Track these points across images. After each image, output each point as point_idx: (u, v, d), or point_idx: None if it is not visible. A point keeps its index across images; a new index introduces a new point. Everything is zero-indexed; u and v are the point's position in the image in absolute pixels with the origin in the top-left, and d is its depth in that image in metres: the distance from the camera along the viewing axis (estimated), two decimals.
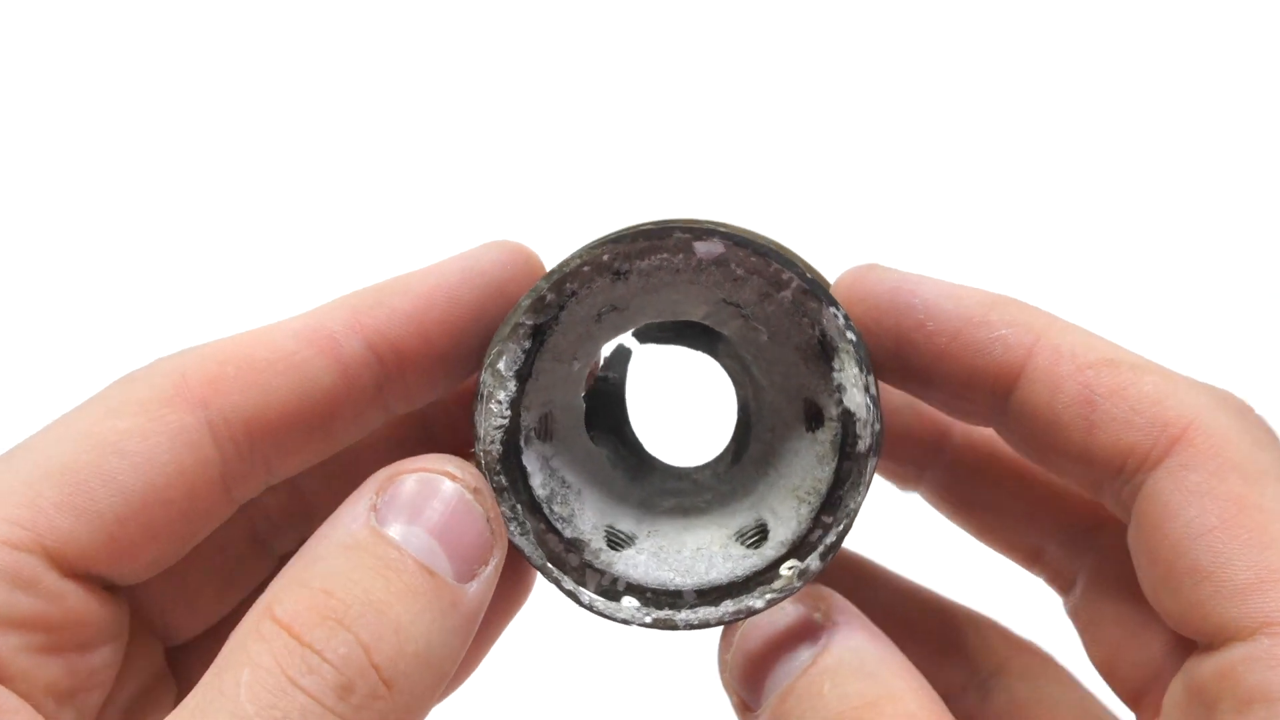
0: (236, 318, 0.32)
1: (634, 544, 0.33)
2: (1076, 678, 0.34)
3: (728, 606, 0.31)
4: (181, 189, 0.80)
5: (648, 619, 0.32)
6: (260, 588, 0.32)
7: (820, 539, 0.32)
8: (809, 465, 0.33)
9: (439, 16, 0.84)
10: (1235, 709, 0.26)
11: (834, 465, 0.32)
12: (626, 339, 0.35)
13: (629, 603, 0.32)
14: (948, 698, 0.32)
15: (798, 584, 0.31)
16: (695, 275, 0.31)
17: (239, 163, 0.80)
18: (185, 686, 0.31)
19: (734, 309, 0.32)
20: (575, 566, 0.32)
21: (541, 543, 0.32)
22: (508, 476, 0.31)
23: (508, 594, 0.35)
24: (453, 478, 0.27)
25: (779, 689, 0.29)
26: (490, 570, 0.28)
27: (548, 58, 0.84)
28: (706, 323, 0.33)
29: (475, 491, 0.28)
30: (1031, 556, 0.34)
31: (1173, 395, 0.28)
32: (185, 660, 0.32)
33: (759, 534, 0.33)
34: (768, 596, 0.31)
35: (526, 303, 0.30)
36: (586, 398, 0.34)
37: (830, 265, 0.33)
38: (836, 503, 0.32)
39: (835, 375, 0.31)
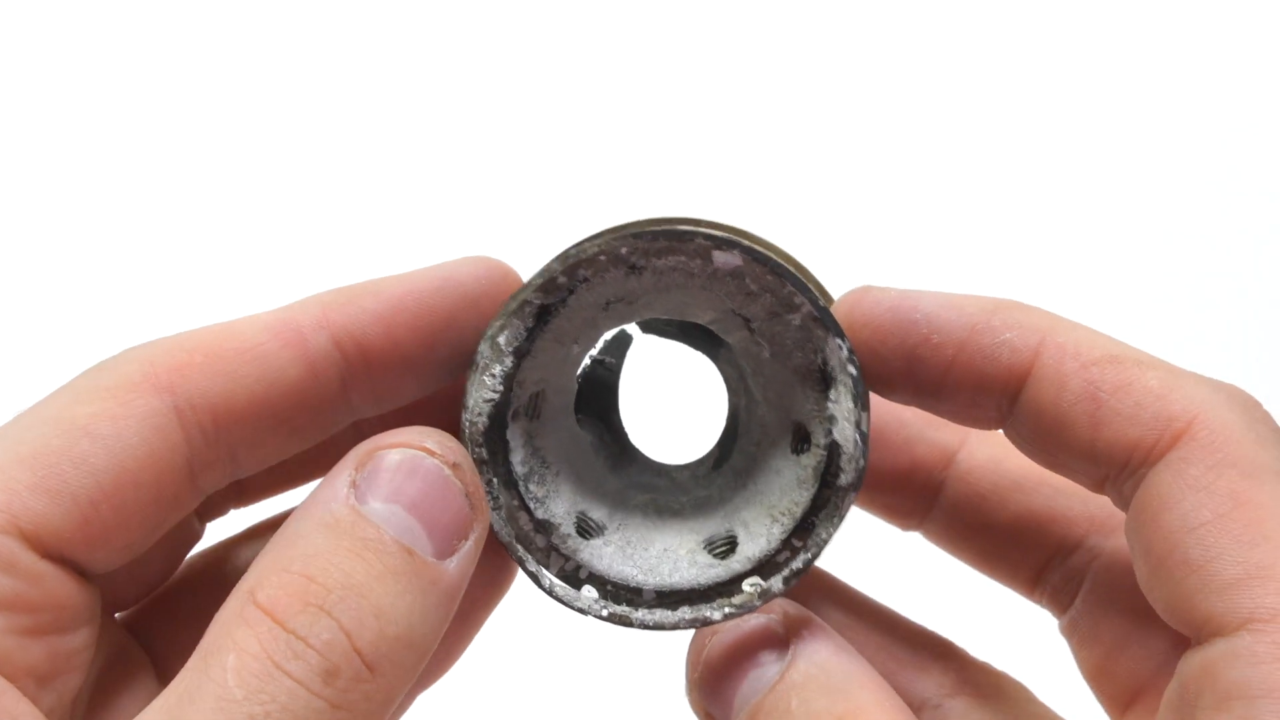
0: (213, 313, 0.32)
1: (603, 534, 0.34)
2: (1037, 698, 0.34)
3: (684, 613, 0.31)
4: (164, 190, 0.80)
5: (604, 612, 0.32)
6: (190, 538, 0.33)
7: (787, 561, 0.32)
8: (788, 486, 0.33)
9: (430, 19, 0.84)
10: (1215, 704, 0.26)
11: (813, 491, 0.32)
12: (629, 326, 0.35)
13: (588, 593, 0.32)
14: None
15: (757, 603, 0.31)
16: (709, 282, 0.31)
17: (224, 165, 0.81)
18: (154, 657, 0.32)
19: (741, 320, 0.32)
20: (541, 548, 0.32)
21: (512, 520, 0.32)
22: (489, 449, 0.31)
23: (491, 580, 0.35)
24: (431, 453, 0.28)
25: (746, 706, 0.29)
26: (470, 545, 0.28)
27: (539, 64, 0.84)
28: (712, 328, 0.33)
29: (454, 467, 0.28)
30: (1032, 581, 0.34)
31: (1177, 390, 0.28)
32: (145, 630, 0.33)
33: (727, 545, 0.33)
34: (725, 610, 0.31)
35: (538, 281, 0.31)
36: (580, 380, 0.34)
37: (830, 268, 0.33)
38: (809, 529, 0.32)
39: (830, 405, 0.31)
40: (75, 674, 0.28)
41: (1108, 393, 0.28)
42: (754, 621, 0.30)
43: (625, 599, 0.32)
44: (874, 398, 0.32)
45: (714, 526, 0.34)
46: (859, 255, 0.76)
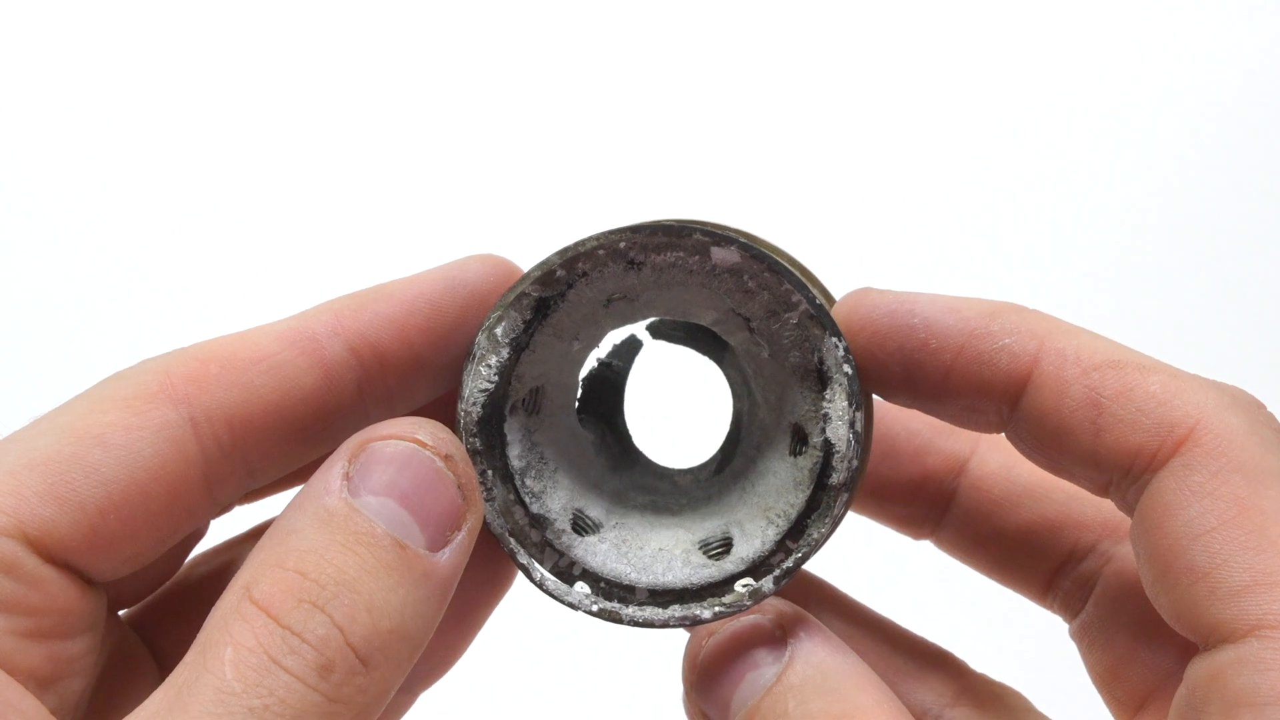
0: (225, 325, 0.32)
1: (598, 532, 0.34)
2: (1037, 709, 0.34)
3: (675, 611, 0.31)
4: (173, 199, 0.81)
5: (594, 608, 0.32)
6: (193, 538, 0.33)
7: (779, 563, 0.32)
8: (784, 488, 0.33)
9: (432, 21, 0.84)
10: (1223, 711, 0.25)
11: (808, 493, 0.32)
12: (640, 331, 0.35)
13: (580, 588, 0.32)
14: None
15: (748, 603, 0.31)
16: (708, 279, 0.31)
17: (233, 175, 0.81)
18: (155, 654, 0.32)
19: (742, 320, 0.32)
20: (535, 542, 0.32)
21: (506, 513, 0.32)
22: (484, 441, 0.31)
23: (492, 579, 0.35)
24: (423, 445, 0.28)
25: (743, 709, 0.29)
26: (463, 536, 0.28)
27: (544, 67, 0.84)
28: (715, 329, 0.33)
29: (446, 459, 0.28)
30: (1044, 587, 0.34)
31: (1179, 395, 0.28)
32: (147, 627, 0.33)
33: (723, 547, 0.33)
34: (716, 609, 0.31)
35: (536, 274, 0.31)
36: (585, 381, 0.34)
37: (833, 269, 0.33)
38: (803, 530, 0.32)
39: (824, 405, 0.31)
40: (77, 678, 0.28)
41: (1109, 398, 0.28)
42: (749, 622, 0.30)
43: (618, 596, 0.32)
44: (883, 407, 0.32)
45: (710, 528, 0.34)
46: (862, 256, 0.76)
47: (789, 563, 0.31)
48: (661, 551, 0.33)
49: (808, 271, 0.32)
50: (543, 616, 0.38)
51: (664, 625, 0.31)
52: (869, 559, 0.39)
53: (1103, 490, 0.29)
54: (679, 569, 0.33)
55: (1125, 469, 0.28)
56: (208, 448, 0.29)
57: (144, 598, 0.33)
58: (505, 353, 0.31)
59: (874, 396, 0.32)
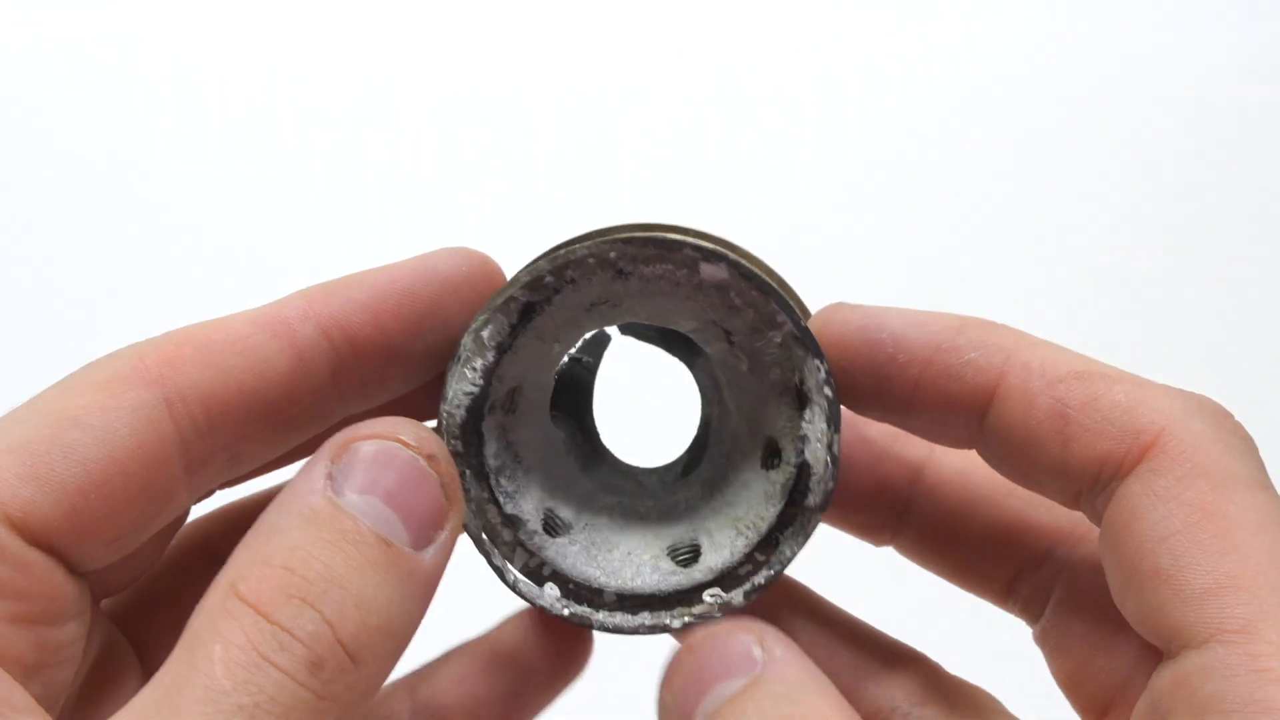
0: (202, 315, 0.32)
1: (568, 533, 0.34)
2: (1008, 710, 0.34)
3: (644, 618, 0.32)
4: (149, 193, 0.80)
5: (565, 611, 0.32)
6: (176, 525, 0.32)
7: (749, 575, 0.32)
8: (755, 500, 0.33)
9: (415, 16, 0.84)
10: (1189, 718, 0.25)
11: (779, 507, 0.32)
12: (610, 327, 0.35)
13: (550, 590, 0.32)
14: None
15: (717, 615, 0.31)
16: (694, 293, 0.31)
17: (209, 171, 0.81)
18: (135, 644, 0.32)
19: (722, 332, 0.32)
20: (508, 542, 0.33)
21: (481, 512, 0.32)
22: (464, 441, 0.32)
23: (568, 651, 0.35)
24: (406, 444, 0.28)
25: (705, 715, 0.29)
26: (446, 536, 0.28)
27: (524, 67, 0.84)
28: (692, 337, 0.33)
29: (430, 458, 0.28)
30: (1004, 591, 0.34)
31: (1144, 403, 0.28)
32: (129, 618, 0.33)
33: (690, 554, 0.33)
34: (685, 619, 0.31)
35: (525, 279, 0.31)
36: (556, 377, 0.34)
37: (809, 282, 0.33)
38: (773, 544, 0.32)
39: (804, 425, 0.31)
40: (63, 666, 0.28)
41: (1075, 409, 0.28)
42: (723, 633, 0.30)
43: (586, 599, 0.33)
44: (844, 415, 0.32)
45: (679, 534, 0.34)
46: (839, 269, 0.76)
47: (760, 578, 0.32)
48: (630, 556, 0.34)
49: (791, 290, 0.32)
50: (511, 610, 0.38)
51: (634, 632, 0.32)
52: (839, 560, 0.39)
53: (1073, 502, 0.30)
54: (647, 575, 0.33)
55: (1094, 477, 0.28)
56: (184, 429, 0.29)
57: (126, 587, 0.32)
58: (490, 355, 0.31)
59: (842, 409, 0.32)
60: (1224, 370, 0.75)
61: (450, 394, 0.31)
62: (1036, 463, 0.29)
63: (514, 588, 0.32)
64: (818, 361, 0.30)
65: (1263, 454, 0.29)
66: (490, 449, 0.32)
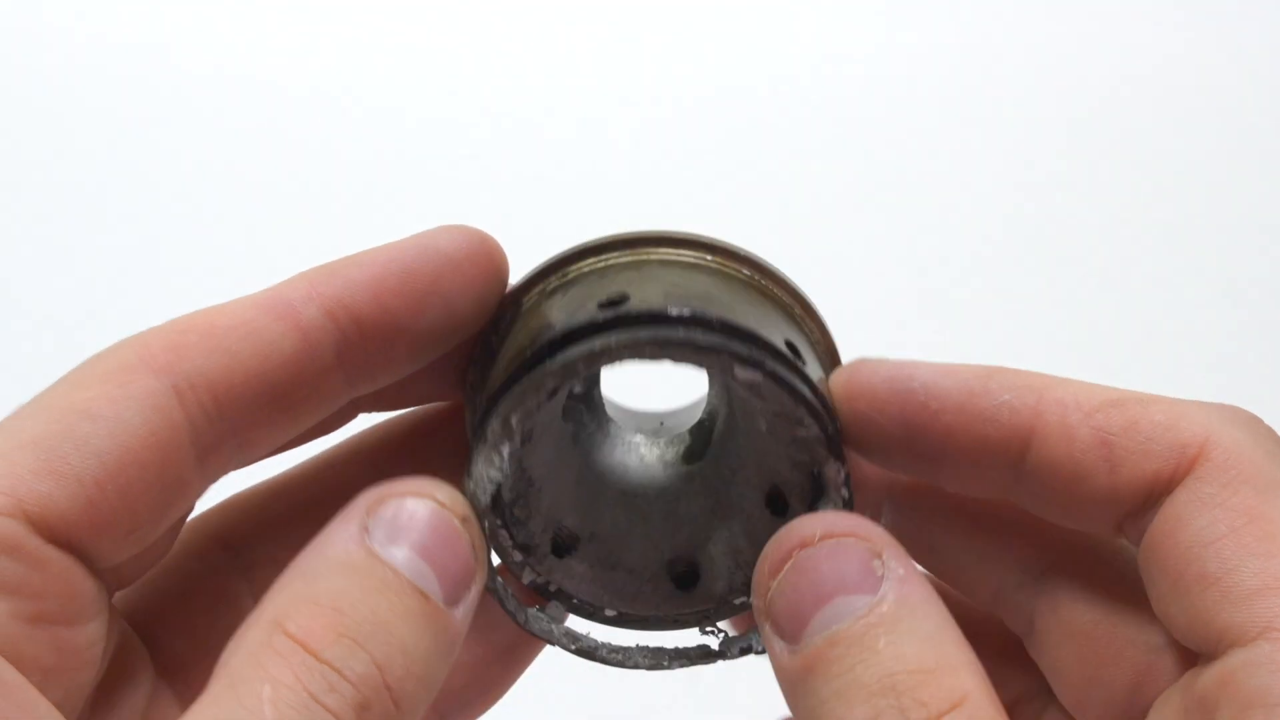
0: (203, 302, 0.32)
1: (575, 550, 0.33)
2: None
3: (644, 658, 0.31)
4: (148, 184, 0.80)
5: (573, 646, 0.32)
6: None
7: (744, 606, 0.32)
8: (756, 537, 0.32)
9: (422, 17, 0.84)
10: (1235, 714, 0.25)
11: None
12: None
13: (558, 630, 0.32)
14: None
15: (715, 649, 0.31)
16: (728, 379, 0.30)
17: (209, 161, 0.81)
18: (148, 642, 0.32)
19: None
20: (518, 563, 0.32)
21: (494, 537, 0.32)
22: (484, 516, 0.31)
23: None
24: (441, 505, 0.28)
25: (825, 631, 0.27)
26: (473, 596, 0.28)
27: (530, 61, 0.84)
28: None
29: (464, 520, 0.28)
30: (992, 600, 0.34)
31: (1184, 418, 0.28)
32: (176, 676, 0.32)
33: (689, 574, 0.33)
34: (679, 663, 0.31)
35: (558, 368, 0.29)
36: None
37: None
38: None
39: (818, 505, 0.31)
40: (84, 670, 0.28)
41: (1117, 434, 0.28)
42: (855, 550, 0.28)
43: (586, 612, 0.33)
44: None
45: (678, 545, 0.34)
46: (836, 268, 0.76)
47: (758, 645, 0.31)
48: (632, 574, 0.33)
49: (817, 316, 0.32)
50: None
51: (634, 667, 0.31)
52: None
53: (1115, 529, 0.30)
54: (648, 596, 0.33)
55: (1144, 498, 0.28)
56: (193, 415, 0.29)
57: (137, 578, 0.32)
58: (517, 440, 0.30)
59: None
60: (1232, 379, 0.75)
61: (475, 474, 0.30)
62: (1084, 495, 0.29)
63: (525, 627, 0.32)
64: (839, 464, 0.30)
65: None
66: (506, 484, 0.32)
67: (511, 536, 0.32)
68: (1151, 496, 0.28)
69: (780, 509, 0.33)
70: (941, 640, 0.27)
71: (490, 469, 0.30)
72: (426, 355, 0.32)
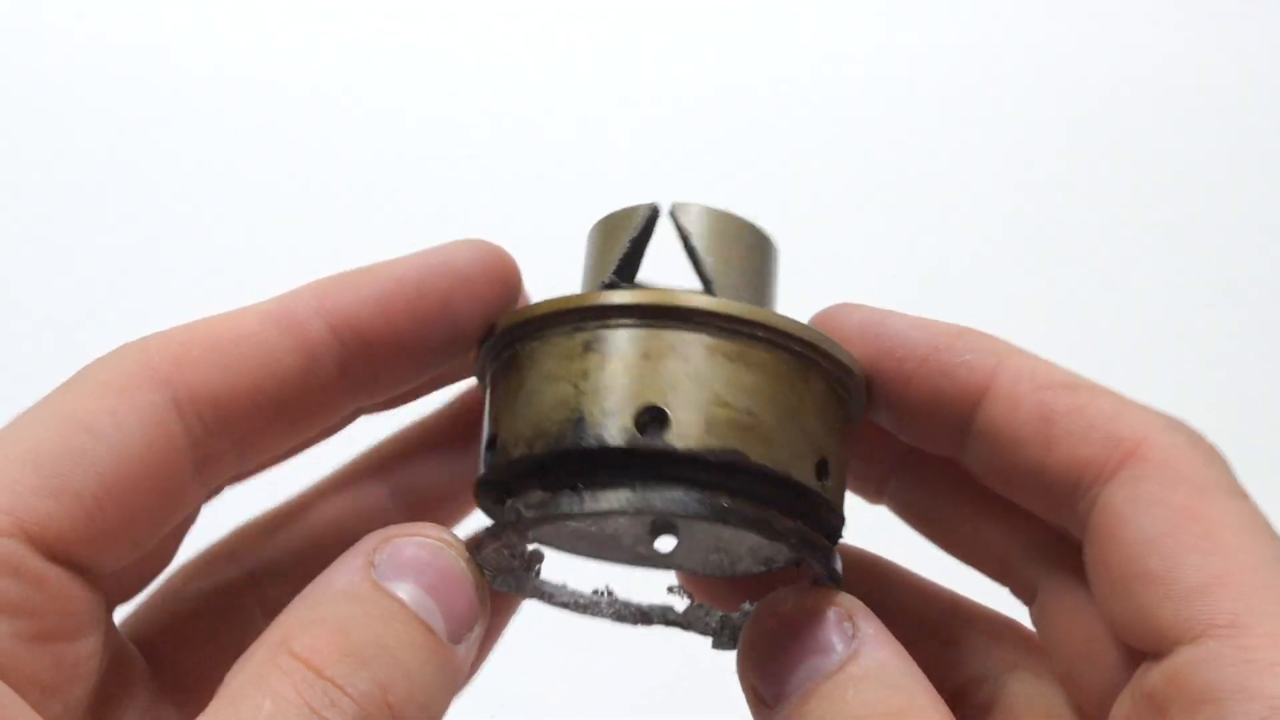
0: (210, 308, 0.31)
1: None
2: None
3: (609, 609, 0.32)
4: (156, 184, 0.80)
5: (542, 598, 0.31)
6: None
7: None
8: (740, 552, 0.32)
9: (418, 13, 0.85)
10: (1184, 711, 0.26)
11: (759, 570, 0.32)
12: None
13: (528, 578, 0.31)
14: (962, 691, 0.33)
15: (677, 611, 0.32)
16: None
17: (215, 162, 0.81)
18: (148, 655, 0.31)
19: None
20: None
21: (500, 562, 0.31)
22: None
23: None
24: (447, 544, 0.28)
25: (801, 689, 0.28)
26: (476, 635, 0.28)
27: (534, 60, 0.84)
28: None
29: (469, 561, 0.28)
30: (999, 569, 0.34)
31: (1127, 415, 0.29)
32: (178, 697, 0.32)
33: (666, 532, 0.33)
34: (642, 620, 0.32)
35: (583, 512, 0.27)
36: None
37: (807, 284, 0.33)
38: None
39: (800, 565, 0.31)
40: (82, 683, 0.28)
41: (1060, 414, 0.29)
42: (821, 615, 0.29)
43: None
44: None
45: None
46: (832, 265, 0.76)
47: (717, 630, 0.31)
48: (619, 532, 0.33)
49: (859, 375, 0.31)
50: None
51: (599, 615, 0.32)
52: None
53: (1052, 512, 0.30)
54: (628, 547, 0.33)
55: (1074, 482, 0.29)
56: (193, 429, 0.28)
57: (137, 591, 0.32)
58: (531, 541, 0.30)
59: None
60: (1215, 372, 0.75)
61: (488, 557, 0.29)
62: (1018, 466, 0.30)
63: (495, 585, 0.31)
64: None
65: (1260, 464, 0.30)
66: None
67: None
68: (1081, 483, 0.29)
69: (764, 557, 0.33)
70: (908, 687, 0.28)
71: (500, 557, 0.30)
72: (432, 368, 0.32)
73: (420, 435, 0.36)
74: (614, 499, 0.27)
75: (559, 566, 0.32)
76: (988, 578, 0.35)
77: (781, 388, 0.29)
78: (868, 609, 0.29)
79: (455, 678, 0.27)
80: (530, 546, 0.31)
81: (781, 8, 0.86)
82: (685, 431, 0.27)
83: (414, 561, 0.27)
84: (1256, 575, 0.27)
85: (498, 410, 0.30)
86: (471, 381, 0.34)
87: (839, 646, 0.28)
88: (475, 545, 0.29)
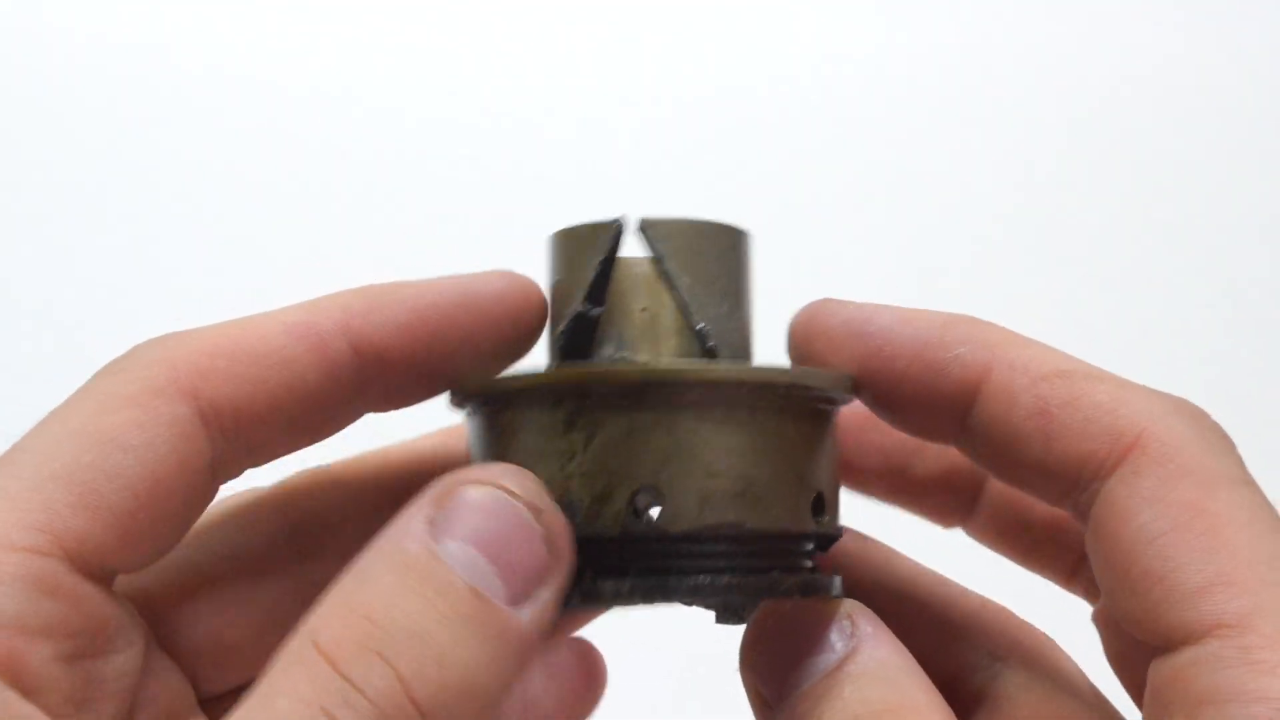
0: (220, 306, 0.32)
1: None
2: (1080, 669, 0.34)
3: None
4: (156, 184, 0.80)
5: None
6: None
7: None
8: None
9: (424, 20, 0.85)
10: (1186, 713, 0.26)
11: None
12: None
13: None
14: (957, 679, 0.33)
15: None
16: None
17: (214, 160, 0.81)
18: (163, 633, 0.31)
19: None
20: None
21: None
22: None
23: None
24: (512, 494, 0.26)
25: (800, 689, 0.28)
26: (547, 593, 0.26)
27: (548, 71, 0.84)
28: None
29: (535, 511, 0.26)
30: (1068, 573, 0.34)
31: (1126, 404, 0.28)
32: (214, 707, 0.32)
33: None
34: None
35: (580, 606, 0.28)
36: (564, 333, 0.31)
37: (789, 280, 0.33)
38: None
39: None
40: (113, 700, 0.28)
41: (1057, 408, 0.28)
42: (824, 613, 0.29)
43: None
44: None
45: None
46: (827, 265, 0.77)
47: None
48: None
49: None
50: None
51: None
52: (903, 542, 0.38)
53: (1058, 501, 0.30)
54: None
55: (1074, 478, 0.28)
56: (214, 438, 0.29)
57: (148, 563, 0.31)
58: None
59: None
60: (1215, 371, 0.75)
61: None
62: (1018, 461, 0.29)
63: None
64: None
65: (1262, 450, 0.29)
66: None
67: None
68: (1084, 477, 0.28)
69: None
70: (906, 684, 0.28)
71: None
72: (446, 388, 0.32)
73: None
74: (613, 590, 0.27)
75: None
76: (1057, 584, 0.35)
77: (770, 440, 0.28)
78: (867, 609, 0.29)
79: (517, 644, 0.25)
80: None
81: (781, 8, 0.86)
82: (680, 512, 0.27)
83: (471, 516, 0.26)
84: (1261, 573, 0.26)
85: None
86: None
87: (838, 645, 0.28)
88: None
